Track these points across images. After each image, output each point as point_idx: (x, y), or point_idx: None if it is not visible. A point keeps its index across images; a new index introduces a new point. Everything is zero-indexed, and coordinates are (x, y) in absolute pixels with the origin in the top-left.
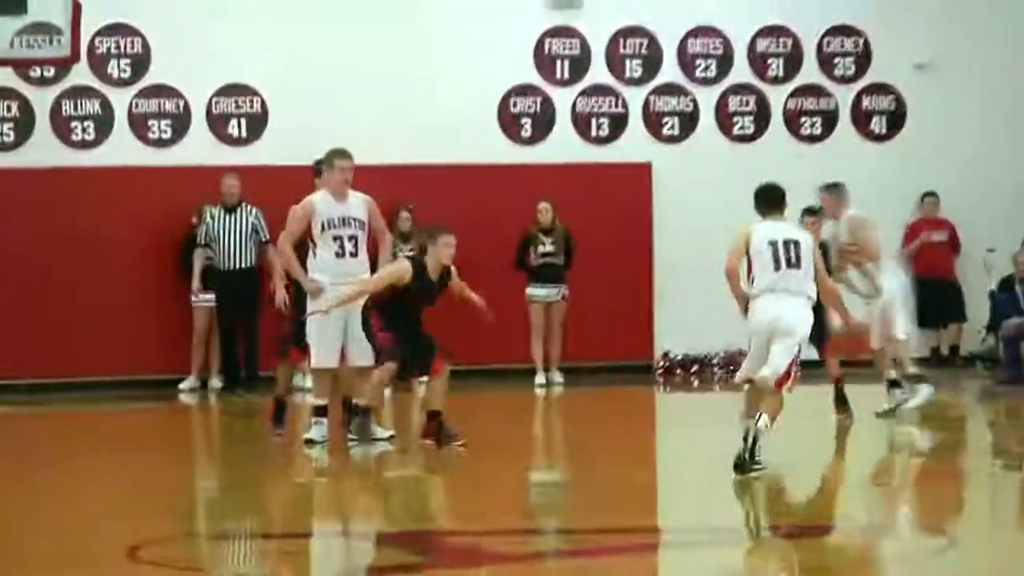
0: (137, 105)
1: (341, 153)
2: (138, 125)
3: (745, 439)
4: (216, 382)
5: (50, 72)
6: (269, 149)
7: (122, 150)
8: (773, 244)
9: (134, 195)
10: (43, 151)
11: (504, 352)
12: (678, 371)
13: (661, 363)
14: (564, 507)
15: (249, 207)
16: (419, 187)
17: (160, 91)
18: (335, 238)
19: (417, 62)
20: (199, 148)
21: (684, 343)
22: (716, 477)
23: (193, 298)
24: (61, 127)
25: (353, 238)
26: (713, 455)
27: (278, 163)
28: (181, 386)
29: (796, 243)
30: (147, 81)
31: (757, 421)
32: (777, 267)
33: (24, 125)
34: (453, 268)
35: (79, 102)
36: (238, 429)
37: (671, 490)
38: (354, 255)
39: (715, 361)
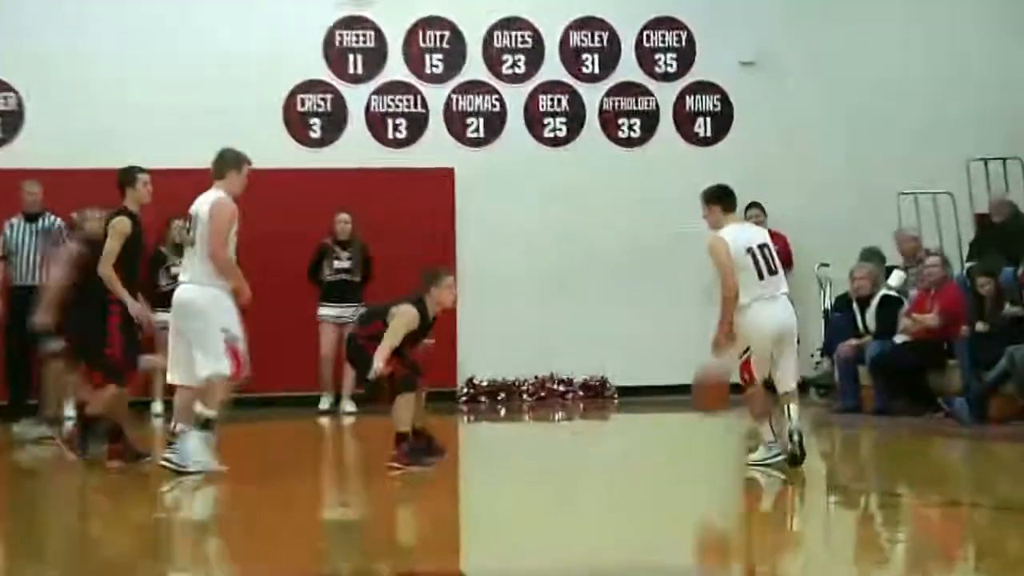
0: None
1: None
2: None
3: (791, 437)
4: None
5: None
6: (21, 151)
7: None
8: (750, 252)
9: None
10: None
11: (295, 378)
12: (483, 399)
13: (465, 390)
14: (356, 549)
15: (52, 217)
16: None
17: None
18: None
19: (190, 56)
20: None
21: (491, 368)
22: (521, 515)
23: None
24: None
25: None
26: (518, 490)
27: (31, 167)
28: None
29: (767, 246)
30: None
31: (792, 418)
32: (761, 276)
33: None
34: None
35: None
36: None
37: (476, 529)
38: None
39: (524, 388)
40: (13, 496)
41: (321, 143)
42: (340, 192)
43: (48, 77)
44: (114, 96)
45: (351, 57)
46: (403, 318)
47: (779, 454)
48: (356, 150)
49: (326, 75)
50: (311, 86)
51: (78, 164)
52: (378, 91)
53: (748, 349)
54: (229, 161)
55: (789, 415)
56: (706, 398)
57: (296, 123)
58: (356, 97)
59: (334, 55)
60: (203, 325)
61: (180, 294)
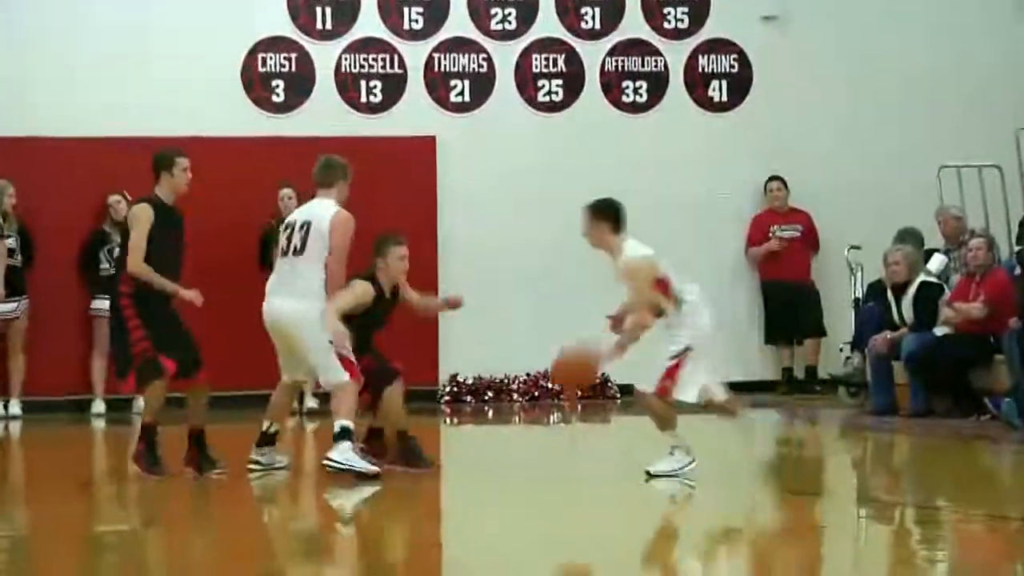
0: None
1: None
2: None
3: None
4: None
5: None
6: None
7: None
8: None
9: None
10: None
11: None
12: (468, 398)
13: (448, 388)
14: None
15: None
16: (139, 165)
17: None
18: None
19: (137, 8)
20: None
21: (477, 364)
22: (512, 536)
23: None
24: None
25: None
26: (509, 507)
27: None
28: None
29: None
30: None
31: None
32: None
33: None
34: (402, 279)
35: None
36: None
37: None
38: None
39: (515, 387)
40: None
41: (284, 108)
42: (304, 164)
43: None
44: (45, 52)
45: (318, 10)
46: (353, 289)
47: (691, 462)
48: (324, 116)
49: (290, 31)
50: (273, 43)
51: None
52: (349, 49)
53: (682, 353)
54: (338, 170)
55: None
56: (567, 374)
57: (256, 85)
58: (324, 56)
59: (299, 8)
60: (313, 343)
61: (282, 308)
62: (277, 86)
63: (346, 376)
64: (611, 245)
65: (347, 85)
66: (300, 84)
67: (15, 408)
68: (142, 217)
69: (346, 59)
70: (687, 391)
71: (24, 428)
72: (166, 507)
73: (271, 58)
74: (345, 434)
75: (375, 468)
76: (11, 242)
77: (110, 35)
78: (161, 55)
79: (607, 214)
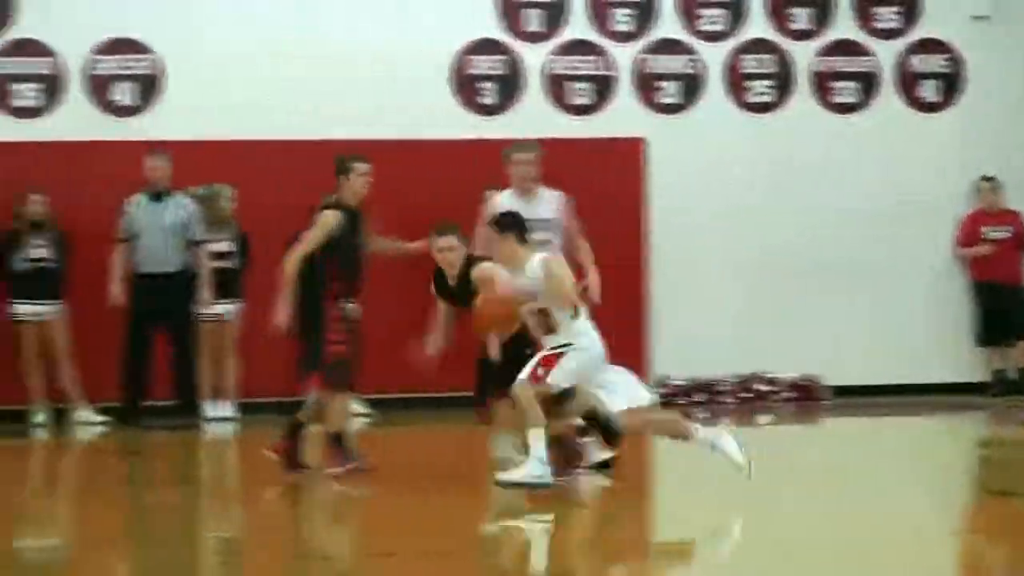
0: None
1: (521, 146)
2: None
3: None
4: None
5: None
6: (165, 122)
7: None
8: None
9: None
10: None
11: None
12: (681, 402)
13: (660, 392)
14: None
15: (178, 196)
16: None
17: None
18: None
19: (345, 13)
20: (74, 119)
21: (688, 366)
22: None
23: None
24: None
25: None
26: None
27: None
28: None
29: None
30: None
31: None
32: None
33: None
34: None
35: None
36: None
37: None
38: None
39: (725, 388)
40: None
41: (494, 110)
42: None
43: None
44: (258, 66)
45: (527, 13)
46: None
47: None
48: (532, 118)
49: (499, 34)
50: (481, 46)
51: (208, 136)
52: (557, 51)
53: (565, 347)
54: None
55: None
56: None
57: (466, 87)
58: (533, 58)
59: (509, 10)
60: None
61: None
62: (486, 88)
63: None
64: (519, 257)
65: (554, 86)
66: (508, 86)
67: (226, 410)
68: (324, 223)
69: (554, 61)
70: (563, 378)
71: (240, 429)
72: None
73: (480, 61)
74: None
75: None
76: (225, 245)
77: (324, 49)
78: (370, 58)
79: (514, 227)
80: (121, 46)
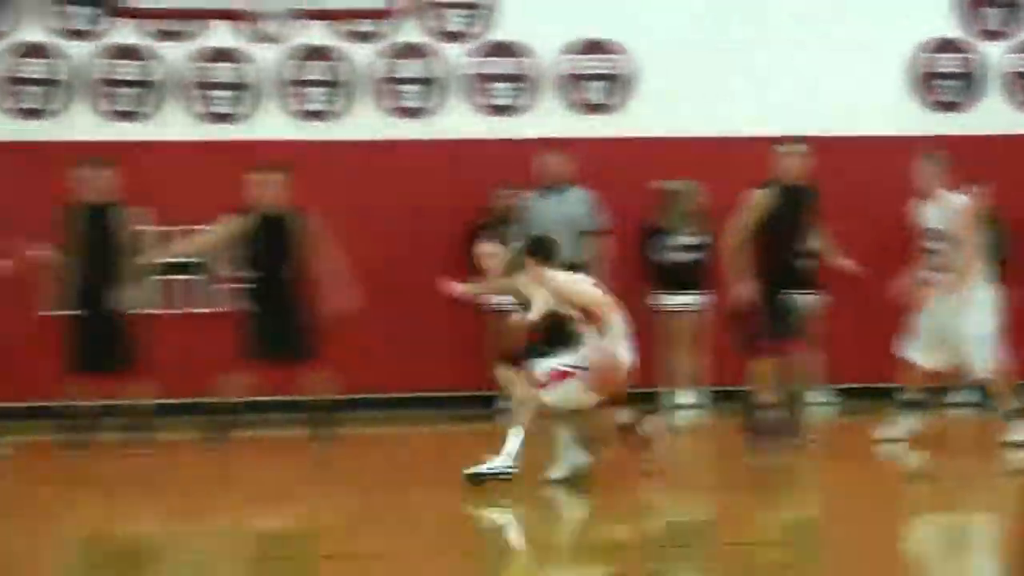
0: (476, 65)
1: None
2: (476, 89)
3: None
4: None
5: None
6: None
7: (455, 118)
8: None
9: (464, 171)
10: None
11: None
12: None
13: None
14: None
15: (576, 189)
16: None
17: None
18: None
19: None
20: (548, 115)
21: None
22: None
23: None
24: (385, 90)
25: None
26: None
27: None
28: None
29: None
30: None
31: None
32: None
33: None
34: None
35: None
36: None
37: None
38: None
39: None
40: None
41: (953, 107)
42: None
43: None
44: (727, 60)
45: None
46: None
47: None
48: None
49: (958, 33)
50: (940, 45)
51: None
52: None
53: (577, 368)
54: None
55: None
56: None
57: (922, 85)
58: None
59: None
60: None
61: None
62: (943, 86)
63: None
64: (543, 277)
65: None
66: (968, 84)
67: (691, 397)
68: (754, 201)
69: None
70: (556, 400)
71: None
72: None
73: (937, 59)
74: None
75: None
76: (691, 239)
77: (777, 46)
78: (827, 60)
79: (539, 252)
80: (593, 46)
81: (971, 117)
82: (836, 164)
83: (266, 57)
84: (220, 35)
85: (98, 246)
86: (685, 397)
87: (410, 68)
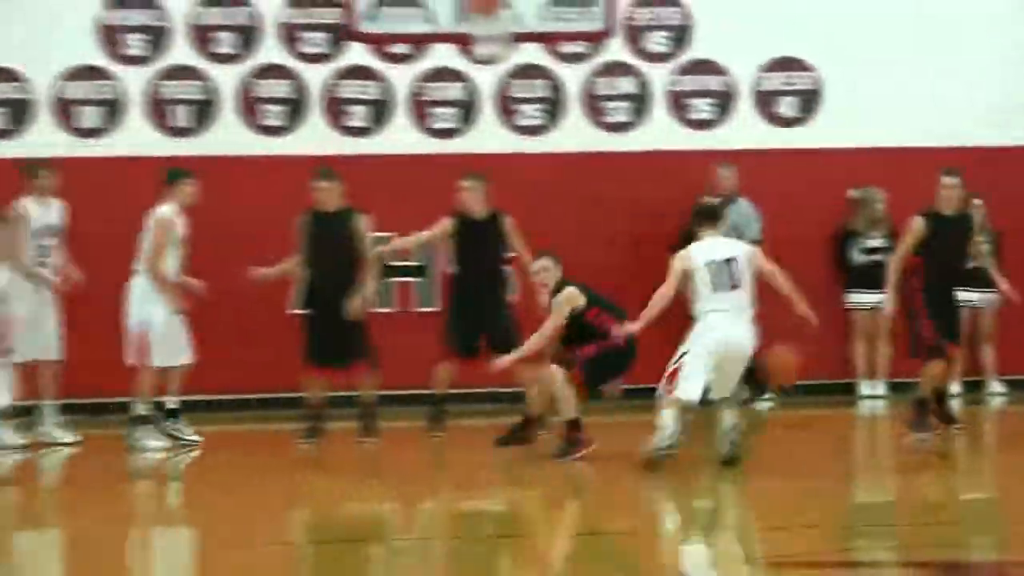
0: (675, 83)
1: None
2: (678, 104)
3: (727, 439)
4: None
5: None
6: (820, 130)
7: (653, 132)
8: (709, 265)
9: (675, 182)
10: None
11: None
12: None
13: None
14: None
15: (740, 201)
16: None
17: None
18: None
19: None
20: (746, 129)
21: None
22: None
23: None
24: (595, 105)
25: None
26: None
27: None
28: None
29: (733, 260)
30: (688, 56)
31: (726, 422)
32: (714, 289)
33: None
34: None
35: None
36: None
37: None
38: None
39: None
40: None
41: None
42: None
43: (845, 52)
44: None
45: None
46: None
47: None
48: None
49: None
50: None
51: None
52: None
53: (681, 357)
54: None
55: (723, 419)
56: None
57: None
58: None
59: None
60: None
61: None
62: None
63: None
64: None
65: None
66: None
67: (879, 389)
68: (914, 227)
69: None
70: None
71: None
72: None
73: None
74: None
75: None
76: (879, 241)
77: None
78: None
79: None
80: (786, 63)
81: None
82: (1000, 173)
83: (483, 77)
84: (442, 56)
85: (334, 250)
86: (873, 388)
87: (615, 85)
